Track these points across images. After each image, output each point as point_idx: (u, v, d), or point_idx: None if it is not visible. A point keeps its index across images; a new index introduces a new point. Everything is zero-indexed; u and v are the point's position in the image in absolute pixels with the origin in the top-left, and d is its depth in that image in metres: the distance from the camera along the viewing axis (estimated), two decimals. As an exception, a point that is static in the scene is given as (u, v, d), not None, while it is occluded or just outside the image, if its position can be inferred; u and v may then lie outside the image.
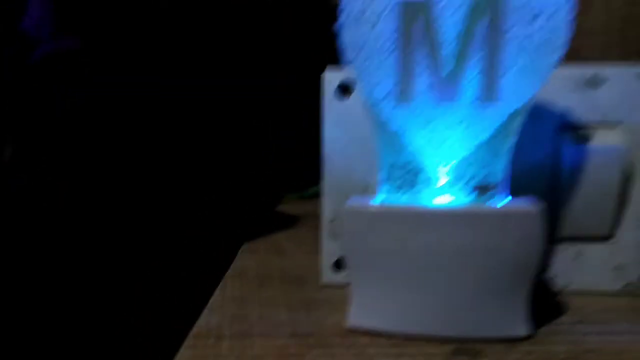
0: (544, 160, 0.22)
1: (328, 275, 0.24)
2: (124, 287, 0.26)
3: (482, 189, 0.18)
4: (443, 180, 0.18)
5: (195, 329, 0.19)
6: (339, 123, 0.22)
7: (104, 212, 0.32)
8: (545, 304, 0.21)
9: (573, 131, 0.22)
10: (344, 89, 0.22)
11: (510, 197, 0.18)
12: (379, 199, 0.19)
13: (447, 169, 0.18)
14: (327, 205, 0.23)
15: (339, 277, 0.23)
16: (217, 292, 0.22)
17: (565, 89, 0.22)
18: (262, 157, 0.39)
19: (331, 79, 0.22)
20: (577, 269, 0.23)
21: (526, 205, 0.18)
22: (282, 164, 0.39)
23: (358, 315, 0.19)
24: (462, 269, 0.18)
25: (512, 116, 0.18)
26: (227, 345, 0.18)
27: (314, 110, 0.23)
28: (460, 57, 0.17)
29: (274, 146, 0.40)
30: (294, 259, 0.28)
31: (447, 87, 0.18)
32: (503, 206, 0.18)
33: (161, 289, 0.25)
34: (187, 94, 0.39)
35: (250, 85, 0.42)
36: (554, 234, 0.22)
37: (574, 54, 0.35)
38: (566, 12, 0.17)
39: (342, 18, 0.17)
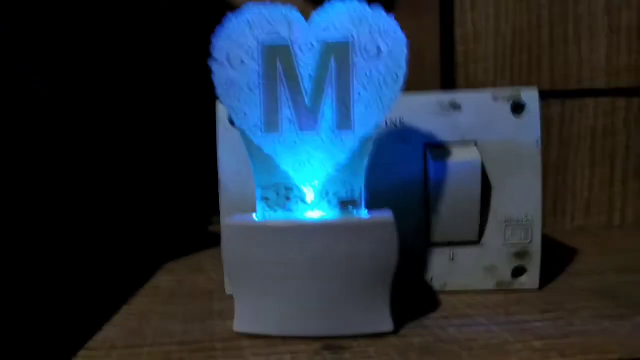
0: (416, 176, 0.25)
1: (230, 287, 0.26)
2: (33, 293, 0.27)
3: (345, 204, 0.21)
4: (311, 197, 0.21)
5: (90, 343, 0.20)
6: (232, 150, 0.25)
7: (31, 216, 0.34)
8: (421, 303, 0.24)
9: (437, 149, 0.25)
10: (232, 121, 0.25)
11: (366, 211, 0.21)
12: (256, 215, 0.21)
13: (313, 187, 0.21)
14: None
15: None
16: (123, 308, 0.24)
17: (429, 113, 0.25)
18: (193, 177, 0.41)
19: (223, 109, 0.25)
20: (452, 271, 0.26)
21: (382, 216, 0.21)
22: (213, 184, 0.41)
23: (242, 322, 0.21)
24: (329, 274, 0.20)
25: (364, 141, 0.20)
26: (117, 355, 0.19)
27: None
28: (317, 92, 0.20)
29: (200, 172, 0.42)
30: (210, 275, 0.30)
31: (307, 118, 0.20)
32: (362, 217, 0.21)
33: (72, 303, 0.26)
34: (118, 120, 0.41)
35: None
36: (429, 240, 0.25)
37: (469, 78, 0.38)
38: (403, 52, 0.20)
39: (211, 61, 0.20)
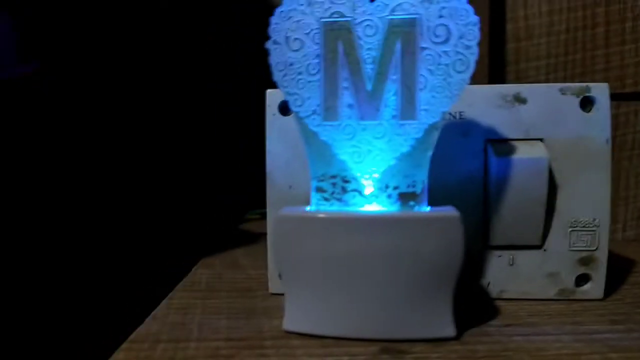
0: (475, 173, 0.23)
1: (275, 284, 0.25)
2: (69, 296, 0.27)
3: (406, 197, 0.19)
4: (370, 190, 0.20)
5: (133, 335, 0.19)
6: (281, 139, 0.24)
7: (61, 218, 0.33)
8: (480, 309, 0.22)
9: (500, 145, 0.23)
10: (285, 108, 0.23)
11: (428, 207, 0.20)
12: (311, 207, 0.20)
13: (372, 179, 0.20)
14: (271, 217, 0.24)
15: (285, 287, 0.24)
16: (163, 302, 0.23)
17: (491, 106, 0.23)
18: (226, 175, 0.40)
19: (273, 97, 0.24)
20: (512, 276, 0.24)
21: (446, 211, 0.19)
22: (246, 182, 0.41)
23: (292, 320, 0.20)
24: (388, 272, 0.19)
25: (429, 131, 0.19)
26: (162, 348, 0.18)
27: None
28: (379, 76, 0.19)
29: (239, 164, 0.41)
30: (247, 272, 0.29)
31: (368, 104, 0.19)
32: (425, 212, 0.19)
33: (114, 300, 0.25)
34: (148, 111, 0.41)
35: (214, 101, 0.43)
36: (487, 242, 0.24)
37: (520, 76, 0.37)
38: (474, 35, 0.18)
39: (269, 43, 0.19)
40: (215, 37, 0.46)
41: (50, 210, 0.32)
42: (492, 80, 0.37)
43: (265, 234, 0.24)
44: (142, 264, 0.32)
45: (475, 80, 0.38)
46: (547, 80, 0.37)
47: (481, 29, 0.38)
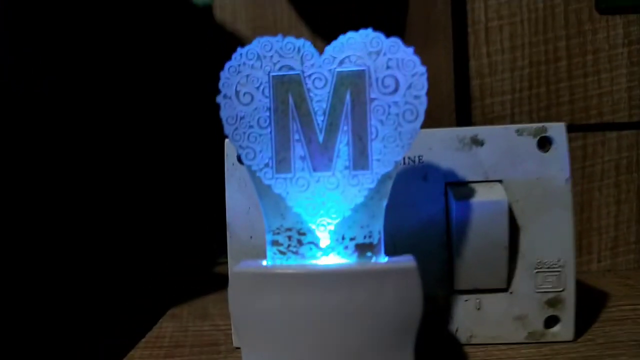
0: (437, 216, 0.23)
1: (237, 339, 0.24)
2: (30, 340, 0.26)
3: (363, 248, 0.19)
4: (326, 242, 0.19)
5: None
6: (240, 189, 0.23)
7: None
8: (449, 356, 0.22)
9: (459, 188, 0.23)
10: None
11: (386, 257, 0.19)
12: (266, 262, 0.20)
13: (328, 231, 0.19)
14: (232, 267, 0.23)
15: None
16: (121, 362, 0.22)
17: (450, 149, 0.23)
18: (197, 218, 0.40)
19: (231, 146, 0.23)
20: (480, 320, 0.23)
21: (403, 261, 0.19)
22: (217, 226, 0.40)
23: (250, 380, 0.19)
24: (346, 327, 0.18)
25: (382, 180, 0.19)
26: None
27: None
28: (330, 127, 0.19)
29: (207, 209, 0.40)
30: (215, 322, 0.28)
31: (321, 156, 0.19)
32: (381, 264, 0.19)
33: (75, 353, 0.24)
34: (120, 159, 0.40)
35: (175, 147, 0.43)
36: (452, 287, 0.23)
37: (485, 112, 0.37)
38: (422, 84, 0.19)
39: (219, 97, 0.19)
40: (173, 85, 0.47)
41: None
42: (459, 117, 0.37)
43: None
44: (111, 314, 0.31)
45: (442, 116, 0.39)
46: (513, 115, 0.37)
47: (445, 67, 0.38)
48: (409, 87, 0.19)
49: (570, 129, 0.38)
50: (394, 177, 0.19)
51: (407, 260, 0.19)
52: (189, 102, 0.48)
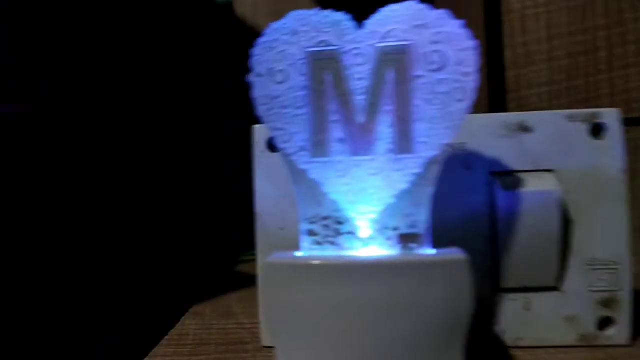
0: (480, 209, 0.22)
1: (268, 337, 0.22)
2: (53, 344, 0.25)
3: (407, 239, 0.18)
4: (366, 232, 0.18)
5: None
6: (270, 178, 0.22)
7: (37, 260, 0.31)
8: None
9: (507, 177, 0.21)
10: (273, 145, 0.22)
11: (433, 249, 0.18)
12: (301, 253, 0.18)
13: (369, 219, 0.18)
14: (262, 262, 0.22)
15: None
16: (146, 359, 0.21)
17: (494, 136, 0.22)
18: (217, 216, 0.39)
19: (260, 133, 0.22)
20: (527, 322, 0.22)
21: (452, 253, 0.17)
22: (239, 222, 0.39)
23: (283, 381, 0.18)
24: (389, 324, 0.17)
25: (428, 165, 0.17)
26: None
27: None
28: (372, 108, 0.17)
29: (231, 204, 0.39)
30: (240, 321, 0.27)
31: (361, 138, 0.17)
32: (428, 256, 0.17)
33: (97, 352, 0.23)
34: (140, 156, 0.39)
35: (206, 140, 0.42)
36: (498, 285, 0.22)
37: (522, 104, 0.35)
38: (473, 60, 0.17)
39: (252, 76, 0.18)
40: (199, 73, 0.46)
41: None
42: (492, 110, 0.35)
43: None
44: (131, 311, 0.30)
45: (475, 110, 0.37)
46: (550, 108, 0.35)
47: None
48: (458, 63, 0.17)
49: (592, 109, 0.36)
50: (441, 161, 0.17)
51: (456, 252, 0.17)
52: (208, 97, 0.47)
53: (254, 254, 0.40)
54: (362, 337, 0.17)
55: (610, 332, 0.22)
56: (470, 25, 0.38)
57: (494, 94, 0.36)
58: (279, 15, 0.58)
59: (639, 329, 0.22)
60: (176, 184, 0.44)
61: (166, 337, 0.24)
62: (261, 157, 0.22)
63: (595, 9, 0.35)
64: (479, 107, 0.36)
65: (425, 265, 0.17)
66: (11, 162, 0.30)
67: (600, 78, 0.36)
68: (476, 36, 0.36)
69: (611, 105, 0.36)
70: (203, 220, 0.40)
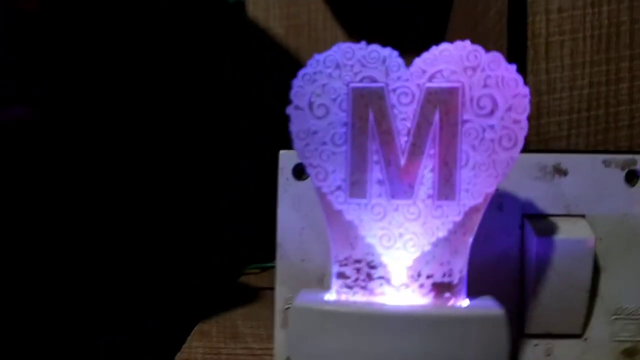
0: (511, 251, 0.21)
1: (281, 370, 0.22)
2: None
3: (441, 288, 0.17)
4: (399, 278, 0.17)
5: None
6: (295, 206, 0.21)
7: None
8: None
9: (540, 222, 0.21)
10: (300, 172, 0.21)
11: (468, 299, 0.17)
12: (331, 296, 0.17)
13: (404, 265, 0.17)
14: (280, 294, 0.21)
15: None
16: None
17: (529, 178, 0.21)
18: (222, 227, 0.38)
19: (286, 159, 0.21)
20: (548, 368, 0.21)
21: (489, 307, 0.17)
22: (243, 234, 0.38)
23: None
24: (420, 378, 0.16)
25: (469, 213, 0.17)
26: None
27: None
28: (414, 150, 0.17)
29: (234, 215, 0.39)
30: (249, 345, 0.26)
31: (401, 181, 0.17)
32: (465, 310, 0.17)
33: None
34: (141, 166, 0.38)
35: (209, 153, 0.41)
36: (522, 329, 0.21)
37: (540, 132, 0.35)
38: (524, 107, 0.16)
39: (290, 108, 0.17)
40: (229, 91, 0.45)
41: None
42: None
43: (265, 289, 0.21)
44: (134, 324, 0.29)
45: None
46: (569, 137, 0.35)
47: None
48: (509, 109, 0.16)
49: (628, 154, 0.36)
50: (483, 210, 0.17)
51: (493, 306, 0.16)
52: (219, 101, 0.46)
53: (257, 267, 0.39)
54: (393, 391, 0.16)
55: (631, 381, 0.21)
56: (490, 47, 0.38)
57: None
58: (291, 18, 0.57)
59: (660, 380, 0.22)
60: (180, 185, 0.43)
61: (173, 362, 0.24)
62: (286, 185, 0.21)
63: (620, 39, 0.35)
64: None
65: (462, 319, 0.16)
66: (11, 162, 0.29)
67: (621, 109, 0.35)
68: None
69: (630, 137, 0.35)
70: (208, 229, 0.39)
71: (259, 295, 0.34)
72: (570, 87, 0.35)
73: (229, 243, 0.39)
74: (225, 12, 0.50)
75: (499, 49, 0.37)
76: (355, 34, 0.53)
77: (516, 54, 0.35)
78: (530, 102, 0.35)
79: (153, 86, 0.44)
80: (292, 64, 0.53)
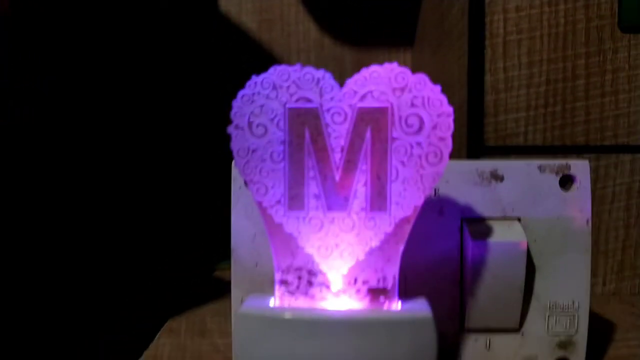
0: (450, 252, 0.22)
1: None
2: None
3: (376, 293, 0.18)
4: (337, 284, 0.18)
5: None
6: (247, 214, 0.22)
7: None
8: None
9: (476, 225, 0.22)
10: (251, 182, 0.22)
11: (401, 302, 0.18)
12: (274, 302, 0.19)
13: (341, 273, 0.18)
14: (235, 297, 0.23)
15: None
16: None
17: (468, 183, 0.22)
18: (194, 222, 0.39)
19: (239, 170, 0.22)
20: (488, 360, 0.23)
21: (418, 309, 0.18)
22: (215, 230, 0.39)
23: None
24: (355, 376, 0.18)
25: (401, 224, 0.18)
26: None
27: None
28: (348, 165, 0.18)
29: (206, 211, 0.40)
30: (214, 340, 0.27)
31: (337, 195, 0.18)
32: (395, 312, 0.18)
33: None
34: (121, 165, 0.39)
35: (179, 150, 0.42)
36: (462, 325, 0.23)
37: (498, 129, 0.36)
38: (448, 126, 0.17)
39: (231, 127, 0.18)
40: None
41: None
42: (470, 132, 0.36)
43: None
44: (109, 315, 0.30)
45: (454, 130, 0.37)
46: (525, 133, 0.36)
47: (458, 78, 0.37)
48: (434, 127, 0.17)
49: (584, 149, 0.37)
50: (412, 221, 0.18)
51: (422, 309, 0.18)
52: (191, 97, 0.47)
53: (228, 264, 0.40)
54: (329, 389, 0.17)
55: (565, 371, 0.23)
56: (454, 44, 0.39)
57: (473, 118, 0.36)
58: (263, 12, 0.57)
59: (592, 365, 0.24)
60: (155, 189, 0.44)
61: (140, 359, 0.25)
62: (238, 193, 0.22)
63: (576, 37, 0.36)
64: (456, 129, 0.36)
65: (393, 322, 0.18)
66: (11, 161, 0.30)
67: (577, 105, 0.36)
68: (460, 58, 0.36)
69: (586, 132, 0.37)
70: (180, 225, 0.40)
71: (227, 289, 0.35)
72: (528, 85, 0.36)
73: (202, 240, 0.40)
74: (197, 6, 0.50)
75: (461, 46, 0.38)
76: (327, 28, 0.54)
77: (476, 52, 0.36)
78: (489, 100, 0.37)
79: (132, 84, 0.45)
80: (265, 59, 0.54)
